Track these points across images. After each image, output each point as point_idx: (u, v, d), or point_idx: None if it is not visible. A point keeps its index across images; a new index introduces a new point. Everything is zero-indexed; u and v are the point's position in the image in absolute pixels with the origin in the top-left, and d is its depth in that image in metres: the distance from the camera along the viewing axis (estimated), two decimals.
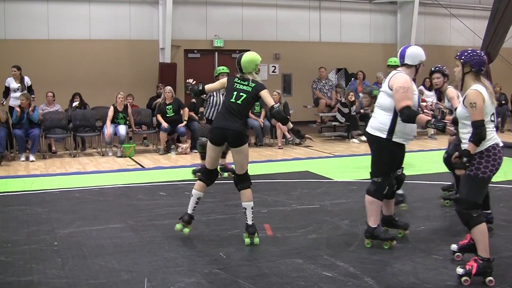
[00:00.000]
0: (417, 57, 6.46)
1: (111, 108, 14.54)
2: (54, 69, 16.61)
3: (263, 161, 13.13)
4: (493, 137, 5.44)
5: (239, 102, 6.74)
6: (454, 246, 6.07)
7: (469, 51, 5.65)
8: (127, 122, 14.75)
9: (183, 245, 6.78)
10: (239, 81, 6.89)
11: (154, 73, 18.04)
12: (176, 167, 12.56)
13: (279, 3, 19.54)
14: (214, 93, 10.64)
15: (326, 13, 20.17)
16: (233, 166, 7.84)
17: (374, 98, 7.73)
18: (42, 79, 15.54)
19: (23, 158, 13.42)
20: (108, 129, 14.14)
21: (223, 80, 7.25)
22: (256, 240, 6.73)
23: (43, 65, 16.45)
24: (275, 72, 19.71)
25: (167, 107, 14.74)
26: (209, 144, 6.96)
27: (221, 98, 10.47)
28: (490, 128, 5.45)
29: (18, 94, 14.10)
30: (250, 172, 6.99)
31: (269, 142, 16.37)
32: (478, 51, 5.70)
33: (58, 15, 17.29)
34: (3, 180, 10.94)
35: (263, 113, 15.93)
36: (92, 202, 8.88)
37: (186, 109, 14.85)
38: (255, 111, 16.01)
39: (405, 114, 6.10)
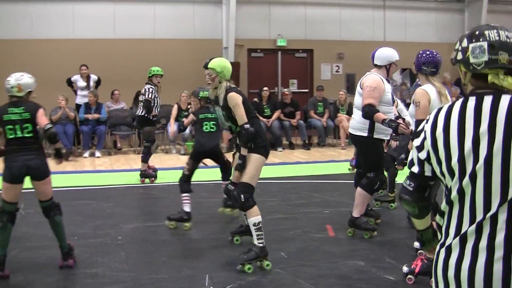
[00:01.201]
0: (385, 58, 6.78)
1: (175, 107, 14.63)
2: (120, 67, 16.86)
3: (326, 161, 13.08)
4: None
5: None
6: (416, 244, 6.05)
7: (425, 52, 5.86)
8: None
9: (246, 243, 6.81)
10: None
11: None
12: None
13: (342, 2, 19.39)
14: (156, 94, 10.75)
15: (391, 12, 19.93)
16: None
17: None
18: (108, 77, 15.80)
19: (86, 154, 13.69)
20: (172, 127, 14.24)
21: (239, 99, 6.04)
22: (265, 263, 5.95)
23: (109, 63, 16.73)
24: (338, 72, 19.58)
25: None
26: (265, 158, 6.23)
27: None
28: None
29: (85, 92, 14.43)
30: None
31: (332, 142, 16.31)
32: (431, 52, 5.87)
33: (124, 15, 17.56)
34: (70, 175, 11.18)
35: (326, 113, 15.87)
36: (156, 198, 9.00)
37: None
38: (318, 111, 15.96)
39: (365, 111, 6.44)
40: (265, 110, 15.31)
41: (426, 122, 2.64)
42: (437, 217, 2.61)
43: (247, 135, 5.82)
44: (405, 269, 5.51)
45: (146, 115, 10.59)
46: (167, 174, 11.23)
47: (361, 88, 6.67)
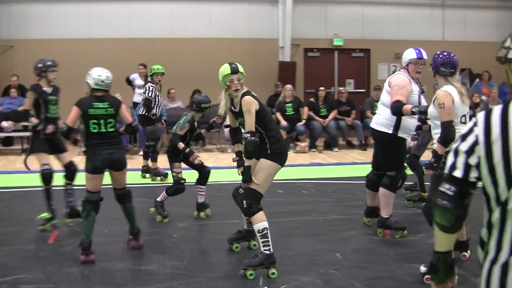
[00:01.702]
0: (403, 58, 6.89)
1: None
2: (176, 66, 16.98)
3: None
4: None
5: None
6: (423, 269, 5.64)
7: (442, 53, 5.76)
8: None
9: (300, 244, 6.79)
10: None
11: (274, 71, 18.13)
12: (295, 165, 12.58)
13: (400, 1, 19.15)
14: (158, 93, 10.82)
15: (450, 10, 19.59)
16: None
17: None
18: (165, 76, 15.93)
19: (142, 152, 13.83)
20: None
21: (255, 105, 5.78)
22: (271, 271, 5.70)
23: (166, 62, 16.79)
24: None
25: (287, 105, 14.81)
26: (279, 166, 6.05)
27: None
28: (460, 130, 5.42)
29: (142, 90, 14.57)
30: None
31: None
32: (449, 53, 5.77)
33: (180, 15, 17.72)
34: (127, 173, 11.28)
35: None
36: (211, 197, 9.00)
37: (306, 108, 14.88)
38: (375, 111, 15.77)
39: (394, 107, 6.45)
40: (322, 110, 15.23)
41: (475, 125, 2.45)
42: (483, 232, 2.46)
43: (247, 144, 5.62)
44: (422, 269, 5.52)
45: (146, 114, 10.63)
46: (223, 173, 11.25)
47: (389, 87, 6.72)
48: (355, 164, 12.68)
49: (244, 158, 5.75)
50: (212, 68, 17.22)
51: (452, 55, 5.76)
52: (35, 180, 10.67)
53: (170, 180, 8.94)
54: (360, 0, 18.85)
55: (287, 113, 14.77)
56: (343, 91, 16.00)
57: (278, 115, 14.80)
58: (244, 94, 5.75)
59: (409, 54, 6.82)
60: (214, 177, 10.72)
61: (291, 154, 14.11)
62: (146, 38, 17.23)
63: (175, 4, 17.73)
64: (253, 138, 5.58)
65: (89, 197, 6.17)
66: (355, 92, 18.29)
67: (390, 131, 6.75)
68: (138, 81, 14.84)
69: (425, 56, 6.76)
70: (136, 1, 17.48)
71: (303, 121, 14.81)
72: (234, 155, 6.19)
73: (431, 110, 5.77)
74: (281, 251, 6.42)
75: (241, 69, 5.91)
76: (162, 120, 11.85)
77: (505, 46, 2.47)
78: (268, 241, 5.65)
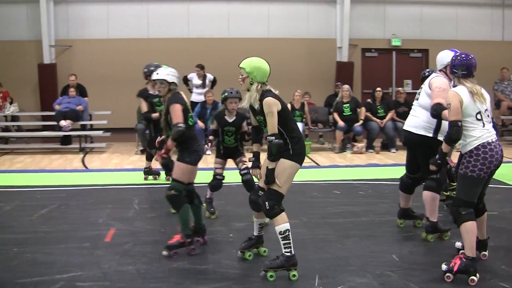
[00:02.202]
0: (439, 62, 6.87)
1: (288, 106, 14.72)
2: (233, 67, 16.96)
3: None
4: (481, 136, 5.50)
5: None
6: (458, 244, 6.10)
7: (460, 55, 5.75)
8: (304, 120, 14.89)
9: (355, 244, 6.74)
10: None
11: (331, 71, 18.09)
12: (352, 166, 12.52)
13: (459, 1, 18.86)
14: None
15: (510, 10, 19.24)
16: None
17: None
18: (223, 75, 16.03)
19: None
20: None
21: (276, 106, 5.65)
22: (291, 274, 5.64)
23: (223, 62, 16.95)
24: None
25: (344, 105, 14.73)
26: (299, 166, 5.78)
27: None
28: (477, 127, 5.51)
29: (200, 90, 14.75)
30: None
31: None
32: (467, 55, 5.71)
33: (238, 15, 17.82)
34: None
35: None
36: None
37: (363, 108, 14.78)
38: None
39: (434, 109, 6.37)
40: (379, 110, 15.08)
41: None
42: None
43: (271, 147, 5.53)
44: (444, 267, 5.54)
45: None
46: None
47: (430, 89, 6.63)
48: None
49: (269, 160, 5.61)
50: (270, 68, 17.40)
51: (470, 57, 5.70)
52: (92, 179, 10.92)
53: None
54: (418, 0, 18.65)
55: (344, 114, 14.69)
56: (401, 91, 15.82)
57: (335, 116, 14.74)
58: (265, 95, 5.65)
59: (441, 59, 6.80)
60: None
61: (347, 155, 14.05)
62: (203, 38, 17.39)
63: (232, 4, 17.84)
64: (277, 140, 5.52)
65: (179, 187, 6.40)
66: (413, 93, 18.02)
67: (430, 134, 6.67)
68: (196, 80, 15.00)
69: None
70: (194, 1, 17.66)
71: (361, 122, 14.71)
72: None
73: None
74: (337, 251, 6.41)
75: (243, 64, 5.78)
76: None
77: None
78: (289, 243, 5.61)
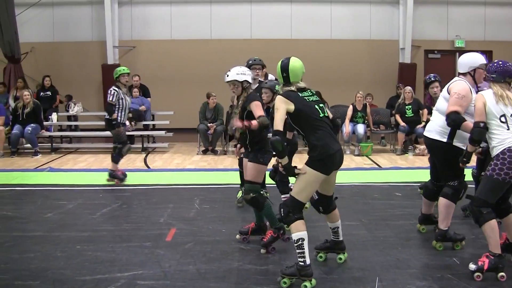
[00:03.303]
0: (467, 64, 6.48)
1: (350, 107, 14.70)
2: None
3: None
4: (506, 140, 5.52)
5: (326, 115, 5.84)
6: (472, 266, 5.67)
7: (498, 62, 5.81)
8: (366, 121, 14.81)
9: (416, 247, 6.69)
10: (305, 94, 5.90)
11: (394, 73, 17.93)
12: (413, 168, 12.38)
13: None
14: (122, 95, 10.43)
15: None
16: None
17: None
18: None
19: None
20: (347, 127, 14.31)
21: (282, 105, 5.63)
22: (303, 284, 5.41)
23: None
24: None
25: (406, 107, 14.58)
26: (320, 174, 5.55)
27: (128, 101, 10.69)
28: (501, 130, 5.59)
29: None
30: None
31: None
32: (504, 62, 5.79)
33: (300, 16, 17.84)
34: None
35: None
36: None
37: (425, 110, 14.58)
38: None
39: (451, 119, 6.16)
40: None
41: None
42: None
43: (273, 145, 5.46)
44: (472, 266, 5.58)
45: (109, 117, 10.56)
46: (341, 174, 11.20)
47: (448, 93, 6.39)
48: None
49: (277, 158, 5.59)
50: (331, 69, 17.41)
51: (508, 64, 5.72)
52: (154, 178, 11.05)
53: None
54: (482, 0, 18.32)
55: (406, 115, 14.53)
56: None
57: (397, 117, 14.60)
58: (277, 93, 5.96)
59: (477, 59, 6.49)
60: None
61: (409, 157, 13.90)
62: (265, 39, 17.42)
63: (294, 5, 17.87)
64: (274, 138, 5.43)
65: (256, 188, 6.61)
66: None
67: (445, 140, 6.43)
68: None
69: None
70: (257, 2, 17.74)
71: (423, 124, 14.51)
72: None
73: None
74: (398, 254, 6.35)
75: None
76: (131, 123, 12.30)
77: None
78: (303, 253, 5.41)
